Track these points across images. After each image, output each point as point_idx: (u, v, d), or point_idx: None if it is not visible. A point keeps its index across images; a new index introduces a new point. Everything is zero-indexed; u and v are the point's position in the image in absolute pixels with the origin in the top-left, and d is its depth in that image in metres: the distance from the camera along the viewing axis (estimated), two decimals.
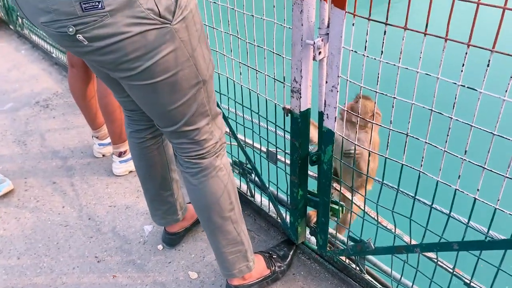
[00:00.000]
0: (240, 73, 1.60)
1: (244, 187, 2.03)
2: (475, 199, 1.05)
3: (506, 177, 0.96)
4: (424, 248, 1.25)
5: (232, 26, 1.51)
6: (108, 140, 2.42)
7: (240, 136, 1.82)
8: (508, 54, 0.85)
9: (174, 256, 1.82)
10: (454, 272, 1.24)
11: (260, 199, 1.95)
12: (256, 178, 1.85)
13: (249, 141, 1.83)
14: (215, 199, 1.35)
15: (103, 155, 2.46)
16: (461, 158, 1.03)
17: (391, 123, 1.15)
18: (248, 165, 1.87)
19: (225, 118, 1.83)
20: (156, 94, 1.14)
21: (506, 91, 0.88)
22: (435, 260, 1.28)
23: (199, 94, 1.18)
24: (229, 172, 1.38)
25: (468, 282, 1.20)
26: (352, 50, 1.15)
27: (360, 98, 1.59)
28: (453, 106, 0.99)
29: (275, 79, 1.45)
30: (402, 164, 1.17)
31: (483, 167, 1.00)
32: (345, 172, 1.69)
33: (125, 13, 0.94)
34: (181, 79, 1.12)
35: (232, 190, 1.39)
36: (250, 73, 1.56)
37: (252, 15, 1.41)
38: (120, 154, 2.27)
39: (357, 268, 1.59)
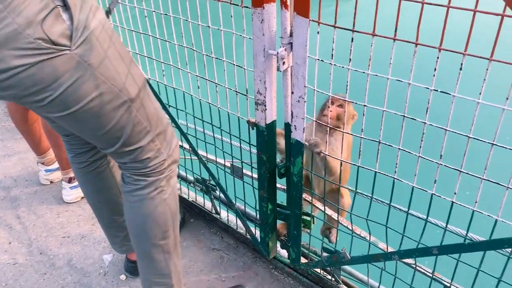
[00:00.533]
0: (198, 87, 1.52)
1: (208, 204, 1.94)
2: (452, 202, 1.04)
3: (483, 179, 0.96)
4: (402, 255, 1.23)
5: (187, 38, 1.44)
6: (56, 165, 2.24)
7: (202, 152, 1.74)
8: (479, 57, 0.84)
9: (139, 286, 1.69)
10: (434, 276, 1.23)
11: (226, 215, 1.88)
12: (221, 195, 1.77)
13: (212, 157, 1.75)
14: (148, 222, 1.24)
15: (51, 182, 2.28)
16: (436, 162, 1.02)
17: (362, 131, 1.13)
18: (212, 182, 1.79)
19: (184, 134, 1.74)
20: (79, 123, 1.05)
21: (480, 93, 0.87)
22: (414, 266, 1.27)
23: (129, 114, 1.08)
24: (172, 198, 1.27)
25: (448, 285, 1.20)
26: (318, 59, 1.12)
27: (330, 105, 1.54)
28: (426, 111, 0.97)
29: (237, 91, 1.39)
30: (375, 172, 1.15)
31: (459, 171, 0.99)
32: (317, 179, 1.65)
33: (12, 46, 0.86)
34: (102, 103, 1.02)
35: (171, 218, 1.27)
36: (210, 87, 1.49)
37: (208, 26, 1.35)
38: (70, 180, 2.11)
39: (333, 279, 1.55)
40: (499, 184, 0.94)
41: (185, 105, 1.66)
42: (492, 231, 1.01)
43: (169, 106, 1.74)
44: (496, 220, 0.98)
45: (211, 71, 1.44)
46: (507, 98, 0.84)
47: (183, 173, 1.97)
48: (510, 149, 0.89)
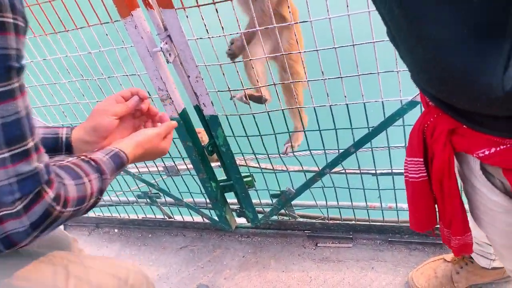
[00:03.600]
0: None
1: (159, 213, 2.03)
2: (346, 104, 1.27)
3: (359, 75, 1.19)
4: (331, 166, 1.45)
5: (74, 72, 1.51)
6: None
7: (132, 169, 1.83)
8: None
9: None
10: (361, 171, 1.47)
11: (180, 215, 1.98)
12: (167, 198, 1.87)
13: (143, 169, 1.84)
14: None
15: None
16: (322, 79, 1.24)
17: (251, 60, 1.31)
18: (153, 191, 1.88)
19: None
20: None
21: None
22: (344, 172, 1.50)
23: None
24: None
25: (374, 172, 1.45)
26: (197, 39, 1.27)
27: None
28: (296, 41, 1.18)
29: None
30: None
31: (340, 77, 1.22)
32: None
33: None
34: None
35: None
36: None
37: (89, 52, 1.44)
38: None
39: (291, 218, 1.75)
40: (372, 73, 1.18)
41: None
42: (384, 112, 1.26)
43: None
44: (382, 102, 1.23)
45: (108, 91, 1.53)
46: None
47: (123, 198, 2.02)
48: (362, 44, 1.13)
